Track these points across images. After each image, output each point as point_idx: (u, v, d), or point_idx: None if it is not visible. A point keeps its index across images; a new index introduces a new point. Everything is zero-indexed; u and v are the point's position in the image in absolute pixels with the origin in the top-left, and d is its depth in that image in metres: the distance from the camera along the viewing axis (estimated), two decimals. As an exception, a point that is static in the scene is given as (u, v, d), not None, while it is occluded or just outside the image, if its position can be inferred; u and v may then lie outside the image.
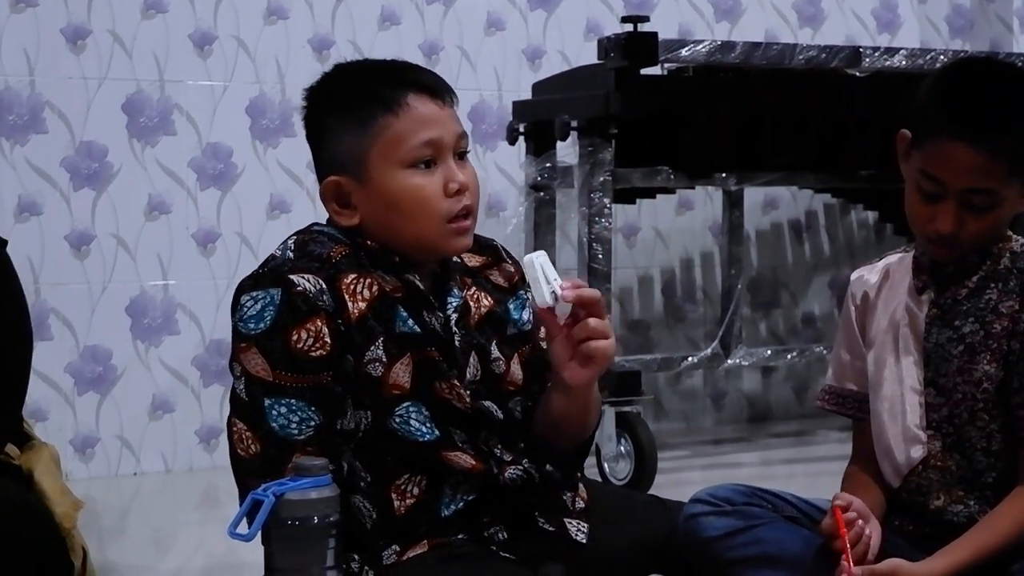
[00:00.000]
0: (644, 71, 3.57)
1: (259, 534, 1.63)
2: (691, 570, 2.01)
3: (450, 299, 1.90)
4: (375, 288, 1.82)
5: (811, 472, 3.90)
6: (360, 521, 1.83)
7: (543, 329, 1.90)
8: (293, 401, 1.77)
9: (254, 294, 1.79)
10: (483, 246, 2.01)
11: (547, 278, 1.78)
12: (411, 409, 1.82)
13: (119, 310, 3.79)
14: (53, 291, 3.72)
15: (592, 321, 1.81)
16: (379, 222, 1.85)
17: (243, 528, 1.63)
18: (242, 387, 1.80)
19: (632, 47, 3.47)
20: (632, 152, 3.62)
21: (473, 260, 1.98)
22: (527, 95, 3.99)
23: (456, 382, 1.85)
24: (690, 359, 4.05)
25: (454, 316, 1.88)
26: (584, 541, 1.92)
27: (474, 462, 1.84)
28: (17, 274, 2.16)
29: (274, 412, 1.77)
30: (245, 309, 1.79)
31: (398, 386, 1.82)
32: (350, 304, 1.80)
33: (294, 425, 1.77)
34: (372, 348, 1.81)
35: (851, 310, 2.11)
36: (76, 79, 3.73)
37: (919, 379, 2.00)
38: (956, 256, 1.97)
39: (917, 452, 1.99)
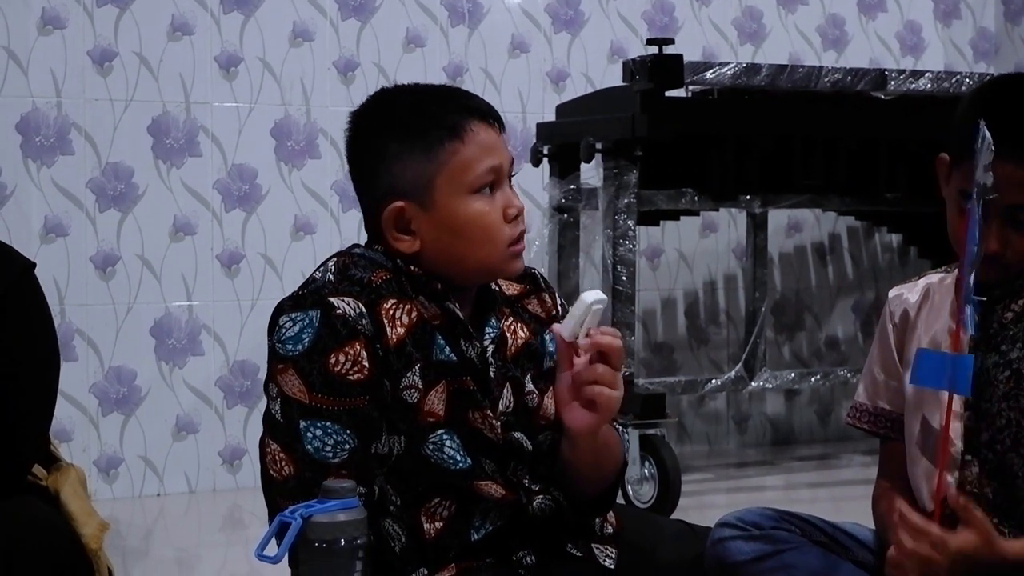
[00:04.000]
0: (669, 94, 3.57)
1: (286, 556, 1.62)
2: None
3: (488, 329, 1.88)
4: (414, 314, 1.81)
5: (835, 496, 3.88)
6: (390, 545, 1.82)
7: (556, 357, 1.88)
8: (329, 424, 1.76)
9: (293, 315, 1.77)
10: (522, 274, 1.98)
11: (584, 322, 1.76)
12: (444, 437, 1.81)
13: (144, 331, 3.80)
14: (78, 312, 3.73)
15: (600, 367, 1.78)
16: (441, 249, 1.83)
17: (271, 550, 1.62)
18: (278, 408, 1.79)
19: (658, 69, 3.48)
20: (657, 174, 3.63)
21: (511, 288, 1.97)
22: (551, 117, 4.00)
23: (489, 412, 1.84)
24: (714, 382, 4.04)
25: (491, 347, 1.87)
26: (612, 567, 1.91)
27: (504, 491, 1.83)
28: (45, 296, 2.16)
29: (310, 435, 1.76)
30: (284, 330, 1.77)
31: (432, 413, 1.81)
32: (389, 329, 1.78)
33: (329, 448, 1.76)
34: (409, 374, 1.79)
35: (888, 328, 2.07)
36: (103, 101, 3.75)
37: (959, 403, 1.97)
38: (1003, 277, 1.94)
39: (954, 476, 1.97)
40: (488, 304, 1.90)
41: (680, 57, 3.52)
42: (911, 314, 2.05)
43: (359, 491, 1.68)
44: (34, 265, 2.15)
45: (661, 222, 4.00)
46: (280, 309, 1.80)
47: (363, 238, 1.92)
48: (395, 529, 1.82)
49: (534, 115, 4.17)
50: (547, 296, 1.99)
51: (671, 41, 3.62)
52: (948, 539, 1.81)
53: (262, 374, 3.85)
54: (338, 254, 1.87)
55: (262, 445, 1.81)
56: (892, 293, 2.09)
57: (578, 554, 1.89)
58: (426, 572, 1.83)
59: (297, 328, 1.76)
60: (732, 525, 2.02)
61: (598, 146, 3.58)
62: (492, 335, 1.88)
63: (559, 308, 1.99)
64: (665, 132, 3.51)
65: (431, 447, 1.81)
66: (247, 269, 3.91)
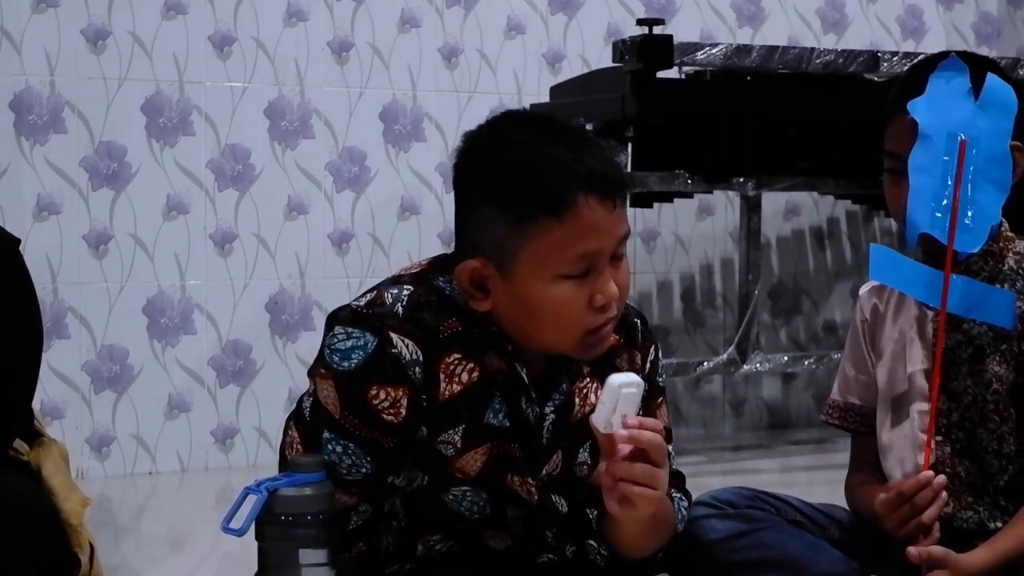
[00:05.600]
0: (662, 75, 3.56)
1: (252, 529, 1.63)
2: (694, 573, 2.00)
3: (555, 394, 1.76)
4: (475, 373, 1.71)
5: (831, 479, 3.85)
6: (377, 545, 1.78)
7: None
8: (351, 445, 1.69)
9: (349, 330, 1.68)
10: (621, 324, 1.79)
11: (616, 408, 1.61)
12: (468, 493, 1.74)
13: (136, 310, 3.81)
14: (71, 290, 3.73)
15: (638, 466, 1.62)
16: (513, 320, 1.69)
17: (237, 522, 1.62)
18: (308, 405, 1.73)
19: (647, 50, 3.47)
20: (650, 156, 3.62)
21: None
22: (546, 98, 3.99)
23: (529, 479, 1.76)
24: (706, 364, 4.04)
25: (551, 416, 1.76)
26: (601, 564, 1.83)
27: (509, 543, 1.77)
28: (30, 273, 2.16)
29: (329, 447, 1.70)
30: (336, 340, 1.69)
31: (464, 472, 1.73)
32: (443, 384, 1.69)
33: (345, 467, 1.70)
34: (450, 432, 1.71)
35: (859, 324, 2.11)
36: (96, 79, 3.75)
37: (928, 386, 1.99)
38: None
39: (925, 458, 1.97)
40: (563, 364, 1.76)
41: (670, 38, 3.51)
42: (880, 307, 2.08)
43: (363, 509, 1.67)
44: (19, 241, 2.15)
45: (656, 204, 3.99)
46: (338, 318, 1.72)
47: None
48: (389, 539, 1.79)
49: (529, 96, 4.16)
50: (639, 353, 1.84)
51: (661, 21, 3.62)
52: None
53: (254, 354, 3.92)
54: (416, 280, 1.73)
55: (286, 427, 1.76)
56: (862, 290, 2.14)
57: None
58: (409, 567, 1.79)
59: (349, 344, 1.68)
60: (707, 504, 2.04)
61: (589, 127, 3.57)
62: (557, 403, 1.77)
63: (649, 365, 1.84)
64: (655, 113, 3.50)
65: (451, 497, 1.75)
66: (240, 249, 3.91)
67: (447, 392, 1.70)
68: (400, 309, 1.69)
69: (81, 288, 3.75)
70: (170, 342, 3.85)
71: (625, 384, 1.61)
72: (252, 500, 1.61)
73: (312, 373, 1.73)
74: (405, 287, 1.72)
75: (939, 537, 1.87)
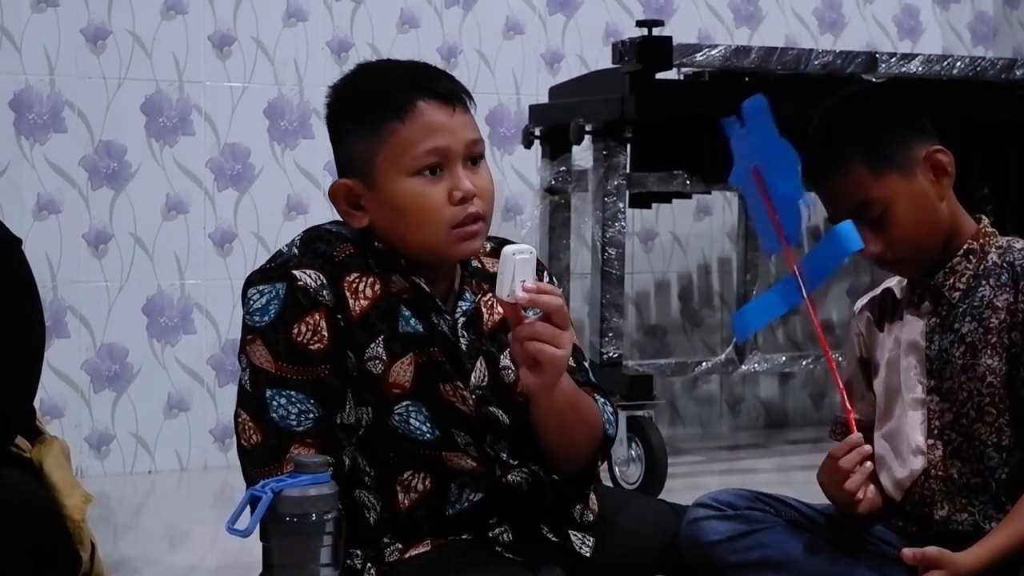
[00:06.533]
0: (660, 76, 3.57)
1: (257, 530, 1.63)
2: (693, 574, 2.01)
3: (461, 303, 1.90)
4: (378, 287, 1.84)
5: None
6: (363, 516, 1.84)
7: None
8: (293, 393, 1.79)
9: (261, 288, 1.81)
10: None
11: (515, 276, 1.74)
12: (411, 408, 1.83)
13: (136, 309, 3.82)
14: (71, 289, 3.74)
15: (540, 324, 1.77)
16: (386, 227, 1.85)
17: (242, 523, 1.63)
18: (247, 378, 1.83)
19: (646, 51, 3.48)
20: (649, 157, 3.63)
21: (496, 266, 1.96)
22: (545, 99, 4.00)
23: (460, 384, 1.85)
24: (704, 364, 4.05)
25: (462, 320, 1.89)
26: (588, 555, 1.91)
27: (475, 464, 1.85)
28: (31, 271, 2.17)
29: (275, 403, 1.80)
30: (252, 302, 1.82)
31: (398, 385, 1.83)
32: (352, 301, 1.81)
33: (293, 416, 1.79)
34: (373, 346, 1.82)
35: (855, 340, 2.14)
36: (96, 79, 3.76)
37: (923, 389, 2.01)
38: (912, 269, 2.02)
39: (918, 463, 1.99)
40: (463, 280, 1.91)
41: (669, 39, 3.52)
42: (874, 320, 2.11)
43: (328, 462, 1.70)
44: (20, 241, 2.16)
45: (654, 204, 4.00)
46: (249, 282, 1.84)
47: None
48: (369, 500, 1.85)
49: (528, 97, 4.17)
50: None
51: (661, 23, 3.62)
52: None
53: (254, 353, 3.91)
54: (307, 229, 1.91)
55: (235, 416, 1.85)
56: (857, 306, 2.18)
57: (553, 539, 1.90)
58: (400, 547, 1.84)
59: (264, 300, 1.80)
60: (707, 505, 2.04)
61: (588, 128, 3.58)
62: (464, 308, 1.89)
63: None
64: (654, 114, 3.51)
65: (397, 418, 1.83)
66: (239, 248, 3.92)
67: (357, 308, 1.81)
68: (296, 250, 1.84)
69: (81, 287, 3.76)
70: (169, 341, 3.85)
71: (518, 251, 1.75)
72: (257, 501, 1.62)
73: (241, 347, 1.83)
74: (298, 237, 1.89)
75: (875, 505, 1.99)
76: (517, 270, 1.74)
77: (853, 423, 1.99)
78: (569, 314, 1.82)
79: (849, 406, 2.01)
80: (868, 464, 1.95)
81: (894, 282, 2.10)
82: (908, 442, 2.00)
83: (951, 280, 2.00)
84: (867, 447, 1.95)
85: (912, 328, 2.03)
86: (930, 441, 1.99)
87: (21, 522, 1.94)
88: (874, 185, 1.96)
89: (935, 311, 2.01)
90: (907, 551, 1.86)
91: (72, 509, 2.12)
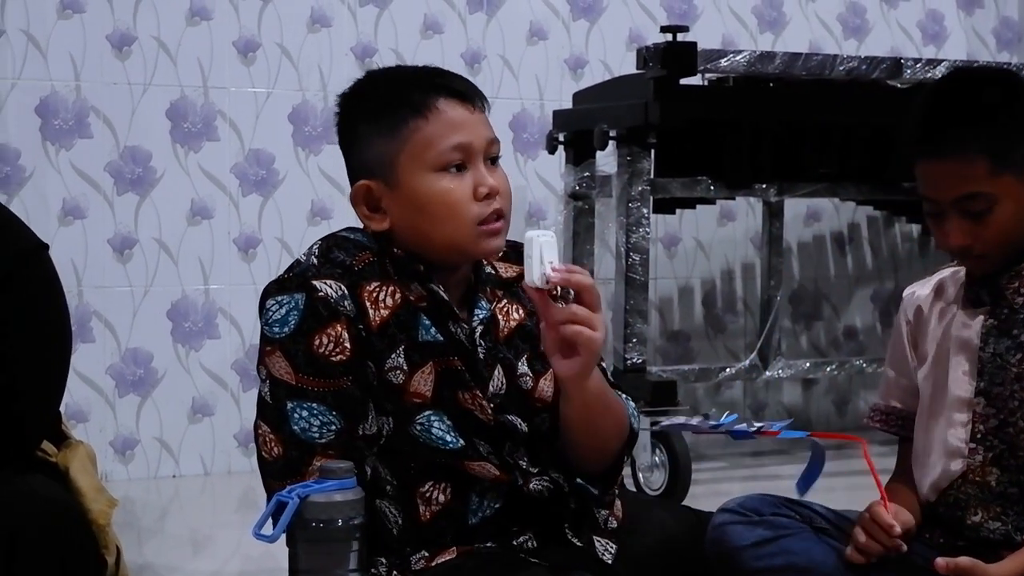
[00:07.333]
0: (684, 81, 3.57)
1: (283, 535, 1.64)
2: (719, 579, 2.00)
3: (477, 311, 1.88)
4: (398, 296, 1.82)
5: (851, 486, 3.84)
6: (386, 526, 1.84)
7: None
8: (315, 405, 1.78)
9: (279, 298, 1.80)
10: (522, 255, 1.97)
11: (543, 259, 1.73)
12: (432, 418, 1.82)
13: (160, 314, 3.83)
14: (96, 294, 3.76)
15: (574, 306, 1.75)
16: (409, 226, 1.84)
17: (267, 529, 1.64)
18: (267, 390, 1.82)
19: (671, 57, 3.47)
20: (672, 162, 3.62)
21: (510, 271, 1.96)
22: (568, 104, 4.00)
23: (479, 393, 1.84)
24: (728, 370, 4.04)
25: (479, 328, 1.87)
26: (611, 562, 1.90)
27: (498, 472, 1.84)
28: (58, 277, 2.18)
29: (296, 415, 1.78)
30: (271, 313, 1.80)
31: (419, 394, 1.82)
32: (371, 311, 1.80)
33: (315, 429, 1.78)
34: (393, 356, 1.81)
35: (902, 327, 2.09)
36: (121, 85, 3.77)
37: (970, 391, 1.98)
38: (989, 267, 1.96)
39: (956, 465, 1.97)
40: (478, 286, 1.90)
41: (694, 44, 3.52)
42: (924, 309, 2.07)
43: (353, 468, 1.69)
44: (47, 247, 2.17)
45: (678, 210, 4.00)
46: (267, 292, 1.83)
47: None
48: (391, 511, 1.84)
49: (552, 102, 4.17)
50: None
51: (685, 29, 3.62)
52: None
53: (277, 358, 3.92)
54: (324, 237, 1.89)
55: (255, 427, 1.85)
56: (906, 292, 2.12)
57: (577, 543, 1.89)
58: (426, 554, 1.84)
59: (283, 311, 1.79)
60: (732, 511, 2.03)
61: (612, 133, 3.58)
62: (481, 316, 1.88)
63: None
64: (678, 119, 3.51)
65: (418, 427, 1.82)
66: (264, 253, 3.93)
67: (377, 318, 1.80)
68: (314, 260, 1.83)
69: (106, 292, 3.77)
70: (194, 346, 3.87)
71: (541, 234, 1.74)
72: (284, 506, 1.62)
73: (260, 358, 1.82)
74: (315, 245, 1.87)
75: (909, 526, 1.96)
76: (544, 252, 1.73)
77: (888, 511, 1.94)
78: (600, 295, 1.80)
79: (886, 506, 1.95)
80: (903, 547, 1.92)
81: (947, 274, 2.06)
82: (948, 443, 1.98)
83: (1015, 284, 1.96)
84: (900, 543, 1.91)
85: (966, 326, 1.99)
86: (971, 445, 1.97)
87: (47, 527, 1.94)
88: (989, 181, 1.89)
89: (993, 312, 1.97)
90: (940, 560, 1.84)
91: (98, 514, 2.13)
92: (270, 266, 3.92)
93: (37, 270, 2.12)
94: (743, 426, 1.99)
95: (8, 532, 1.89)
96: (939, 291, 2.06)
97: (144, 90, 3.79)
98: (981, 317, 1.98)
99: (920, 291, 2.09)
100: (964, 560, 1.85)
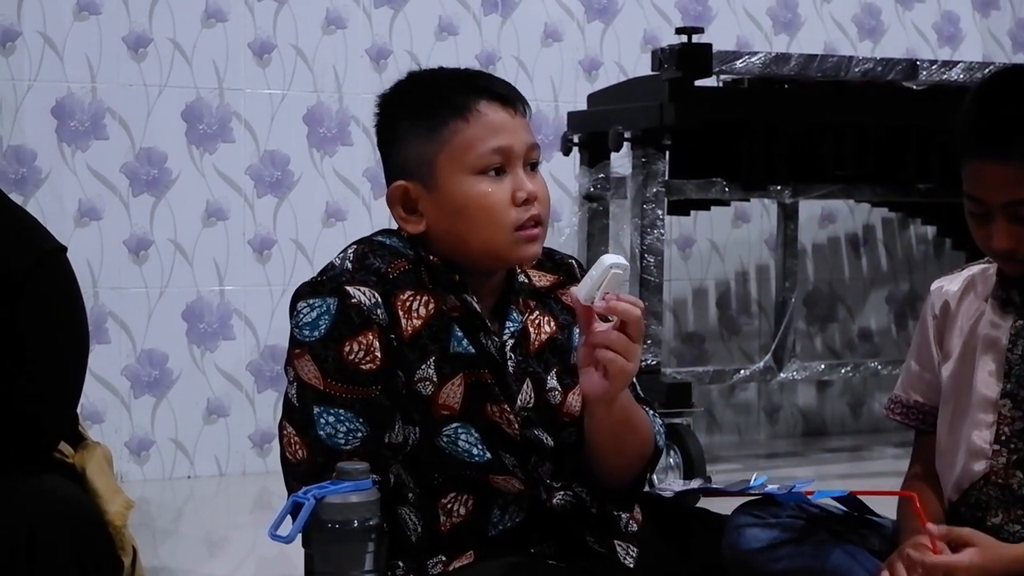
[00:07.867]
0: (699, 83, 3.57)
1: (299, 536, 1.64)
2: (734, 581, 2.00)
3: (508, 323, 1.86)
4: (431, 306, 1.80)
5: (866, 488, 3.85)
6: (405, 533, 1.83)
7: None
8: (342, 411, 1.77)
9: (311, 301, 1.78)
10: (557, 264, 1.96)
11: (603, 285, 1.71)
12: (460, 430, 1.81)
13: (176, 315, 3.84)
14: (111, 295, 3.77)
15: (614, 333, 1.73)
16: (446, 229, 1.81)
17: (284, 530, 1.64)
18: (294, 392, 1.80)
19: (686, 58, 3.47)
20: (687, 164, 3.62)
21: (544, 280, 1.94)
22: (583, 106, 4.00)
23: (507, 407, 1.82)
24: (742, 372, 4.04)
25: (510, 342, 1.86)
26: (632, 566, 1.89)
27: (522, 486, 1.83)
28: (76, 278, 2.19)
29: (322, 420, 1.77)
30: (301, 315, 1.79)
31: (447, 407, 1.80)
32: (404, 321, 1.78)
33: (341, 435, 1.77)
34: (424, 367, 1.79)
35: (928, 320, 2.07)
36: (137, 86, 3.78)
37: (997, 391, 1.97)
38: None
39: (980, 466, 1.97)
40: (510, 297, 1.88)
41: (709, 46, 3.52)
42: (951, 305, 2.05)
43: (373, 477, 1.69)
44: (65, 249, 2.17)
45: (693, 212, 3.99)
46: (299, 295, 1.81)
47: (395, 225, 1.90)
48: (412, 519, 1.83)
49: (566, 104, 4.17)
50: None
51: (700, 30, 3.61)
52: (955, 565, 1.83)
53: (292, 359, 3.92)
54: (359, 241, 1.87)
55: (280, 427, 1.82)
56: (934, 286, 2.10)
57: (599, 549, 1.88)
58: (444, 559, 1.83)
59: (315, 314, 1.77)
60: (748, 513, 2.03)
61: (626, 135, 3.58)
62: (512, 329, 1.86)
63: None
64: (693, 121, 3.50)
65: (445, 439, 1.80)
66: (279, 255, 3.94)
67: (409, 328, 1.78)
68: (349, 265, 1.80)
69: (121, 293, 3.78)
70: (209, 347, 3.87)
71: (615, 264, 1.71)
72: (300, 507, 1.62)
73: (289, 359, 1.80)
74: (350, 249, 1.84)
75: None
76: (607, 281, 1.71)
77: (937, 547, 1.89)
78: (644, 328, 1.78)
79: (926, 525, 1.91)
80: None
81: (977, 271, 2.05)
82: (972, 442, 1.97)
83: None
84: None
85: (995, 326, 1.98)
86: (996, 446, 1.96)
87: (64, 528, 1.94)
88: None
89: (1021, 313, 1.96)
90: (931, 525, 1.84)
91: (114, 515, 2.13)
92: (285, 267, 3.93)
93: (55, 273, 2.12)
94: (774, 488, 1.95)
95: (26, 533, 1.90)
96: (968, 288, 2.04)
97: (160, 91, 3.80)
98: (1011, 318, 1.97)
99: (948, 286, 2.07)
100: (962, 530, 1.86)
